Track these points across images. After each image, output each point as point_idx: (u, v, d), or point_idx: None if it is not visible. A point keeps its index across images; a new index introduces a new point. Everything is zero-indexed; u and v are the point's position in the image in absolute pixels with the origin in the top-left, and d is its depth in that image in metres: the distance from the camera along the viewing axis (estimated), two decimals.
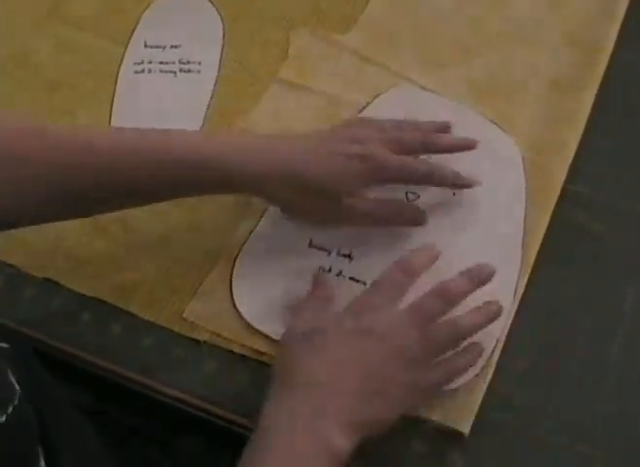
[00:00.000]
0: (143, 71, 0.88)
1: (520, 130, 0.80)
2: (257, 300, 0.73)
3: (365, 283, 0.72)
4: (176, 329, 0.73)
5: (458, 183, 0.73)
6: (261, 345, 0.72)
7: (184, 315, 0.73)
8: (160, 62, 0.88)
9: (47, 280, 0.77)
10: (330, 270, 0.73)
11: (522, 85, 0.83)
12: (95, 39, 0.90)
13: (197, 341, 0.72)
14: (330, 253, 0.74)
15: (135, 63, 0.88)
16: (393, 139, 0.71)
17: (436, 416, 0.68)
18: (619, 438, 0.67)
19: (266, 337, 0.72)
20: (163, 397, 0.71)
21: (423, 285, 0.67)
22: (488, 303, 0.67)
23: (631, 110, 0.81)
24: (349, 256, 0.73)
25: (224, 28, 0.90)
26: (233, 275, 0.74)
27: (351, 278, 0.73)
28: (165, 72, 0.88)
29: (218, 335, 0.72)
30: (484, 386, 0.68)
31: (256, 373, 0.71)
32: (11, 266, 0.78)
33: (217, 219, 0.78)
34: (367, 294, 0.66)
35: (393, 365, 0.63)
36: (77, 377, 0.74)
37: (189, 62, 0.88)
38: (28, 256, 0.78)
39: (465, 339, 0.65)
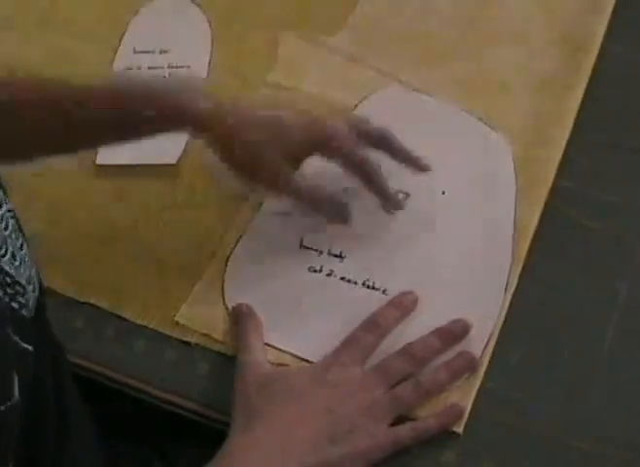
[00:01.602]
0: None
1: (510, 127, 0.80)
2: (249, 301, 0.73)
3: (356, 283, 0.72)
4: (168, 332, 0.73)
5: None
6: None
7: (176, 318, 0.73)
8: (150, 67, 0.89)
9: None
10: (321, 271, 0.73)
11: (511, 82, 0.83)
12: (85, 45, 0.90)
13: (189, 344, 0.72)
14: (321, 253, 0.74)
15: (125, 68, 0.88)
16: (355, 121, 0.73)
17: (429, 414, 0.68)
18: (612, 432, 0.67)
19: None
20: (156, 400, 0.71)
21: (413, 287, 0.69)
22: (460, 355, 0.67)
23: (620, 104, 0.81)
24: (340, 256, 0.73)
25: (212, 32, 0.90)
26: (225, 278, 0.74)
27: (342, 278, 0.73)
28: None
29: (210, 337, 0.72)
30: (477, 384, 0.68)
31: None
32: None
33: (208, 222, 0.78)
34: (336, 353, 0.67)
35: (359, 415, 0.64)
36: None
37: (178, 67, 0.88)
38: None
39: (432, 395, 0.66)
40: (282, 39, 0.88)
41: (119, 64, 0.89)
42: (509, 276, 0.71)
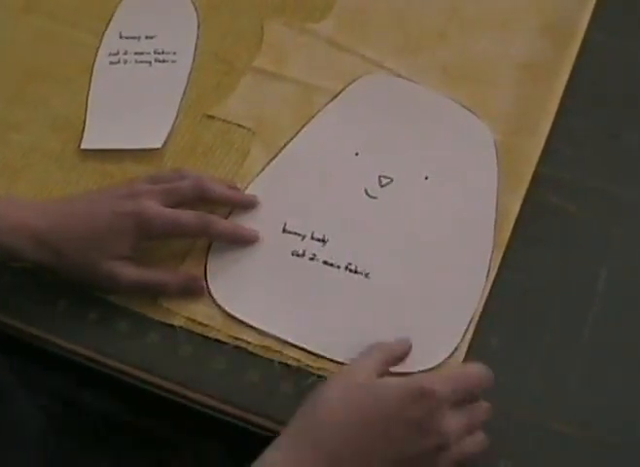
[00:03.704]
0: (119, 62, 0.88)
1: (493, 114, 0.80)
2: (232, 285, 0.73)
3: (338, 267, 0.73)
4: (151, 314, 0.73)
5: (237, 238, 0.74)
6: (237, 331, 0.72)
7: (159, 301, 0.73)
8: (136, 53, 0.88)
9: (24, 270, 0.77)
10: (303, 255, 0.73)
11: (495, 69, 0.83)
12: (71, 30, 0.90)
13: (172, 327, 0.73)
14: (304, 238, 0.74)
15: (111, 54, 0.88)
16: (165, 191, 0.72)
17: None
18: (593, 416, 0.67)
19: (242, 322, 0.72)
20: (140, 383, 0.72)
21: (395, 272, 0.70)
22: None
23: (602, 92, 0.81)
24: (323, 240, 0.74)
25: (198, 18, 0.90)
26: (208, 261, 0.74)
27: (324, 262, 0.73)
28: (141, 62, 0.88)
29: (193, 320, 0.73)
30: None
31: (232, 358, 0.71)
32: None
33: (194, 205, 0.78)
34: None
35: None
36: (52, 364, 0.74)
37: (164, 52, 0.88)
38: None
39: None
40: (268, 25, 0.88)
41: (105, 50, 0.89)
42: (490, 262, 0.72)
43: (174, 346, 0.72)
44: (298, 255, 0.73)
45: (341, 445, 0.59)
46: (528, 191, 0.76)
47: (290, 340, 0.70)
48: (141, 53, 0.88)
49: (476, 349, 0.70)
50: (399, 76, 0.83)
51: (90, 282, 0.73)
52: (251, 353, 0.71)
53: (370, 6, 0.88)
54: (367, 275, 0.72)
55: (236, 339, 0.72)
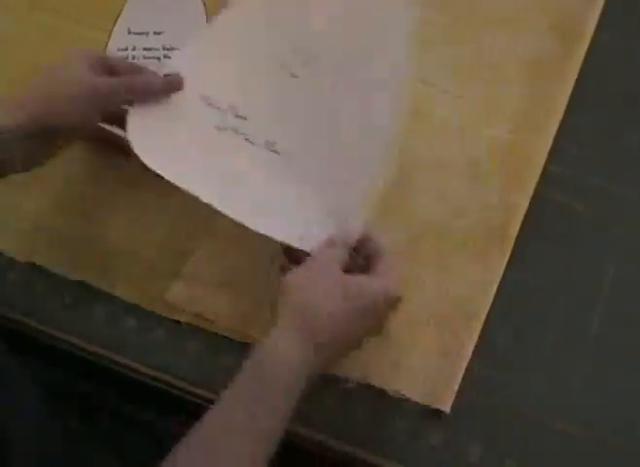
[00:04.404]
0: (127, 57, 0.88)
1: (502, 113, 0.80)
2: (156, 155, 0.71)
3: (259, 144, 0.73)
4: (158, 311, 0.74)
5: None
6: (244, 326, 0.72)
7: (166, 297, 0.74)
8: (144, 48, 0.89)
9: (30, 264, 0.77)
10: (225, 129, 0.74)
11: (505, 68, 0.83)
12: (75, 26, 0.91)
13: (179, 323, 0.73)
14: (226, 113, 0.74)
15: (119, 50, 0.88)
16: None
17: (417, 397, 0.69)
18: (597, 415, 0.67)
19: (253, 321, 0.72)
20: (146, 379, 0.72)
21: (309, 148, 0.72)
22: None
23: (609, 91, 0.81)
24: (245, 117, 0.74)
25: (207, 14, 0.90)
26: (128, 130, 0.72)
27: (246, 138, 0.74)
28: (149, 58, 0.88)
29: (200, 316, 0.73)
30: (464, 365, 0.69)
31: (240, 354, 0.71)
32: None
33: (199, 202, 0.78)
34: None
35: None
36: (58, 359, 0.75)
37: (172, 48, 0.88)
38: (12, 241, 0.78)
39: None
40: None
41: (113, 45, 0.89)
42: (390, 131, 0.72)
43: (181, 343, 0.72)
44: (220, 129, 0.74)
45: (328, 332, 0.64)
46: (536, 189, 0.76)
47: (215, 204, 0.69)
48: (150, 49, 0.88)
49: (481, 348, 0.70)
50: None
51: (76, 106, 0.72)
52: None
53: None
54: (283, 152, 0.73)
55: (243, 335, 0.72)
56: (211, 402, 0.70)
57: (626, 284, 0.72)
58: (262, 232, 0.68)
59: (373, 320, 0.67)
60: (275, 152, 0.73)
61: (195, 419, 0.71)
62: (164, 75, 0.74)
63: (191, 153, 0.72)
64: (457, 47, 0.85)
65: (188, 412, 0.72)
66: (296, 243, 0.68)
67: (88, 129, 0.74)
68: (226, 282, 0.74)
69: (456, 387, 0.68)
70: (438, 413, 0.68)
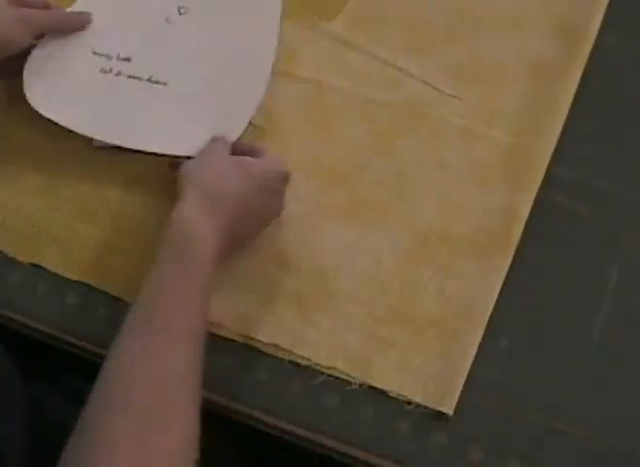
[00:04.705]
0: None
1: (505, 115, 0.80)
2: (47, 98, 0.80)
3: (141, 79, 0.81)
4: None
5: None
6: (247, 329, 0.72)
7: None
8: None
9: (33, 265, 0.77)
10: (110, 71, 0.81)
11: (507, 70, 0.83)
12: None
13: None
14: (110, 58, 0.82)
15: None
16: None
17: (419, 398, 0.69)
18: (601, 417, 0.67)
19: (254, 323, 0.72)
20: None
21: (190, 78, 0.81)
22: None
23: (613, 93, 0.81)
24: (128, 59, 0.82)
25: None
26: (24, 74, 0.81)
27: (129, 76, 0.81)
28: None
29: None
30: (466, 368, 0.69)
31: (242, 356, 0.72)
32: None
33: None
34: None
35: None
36: (62, 361, 0.74)
37: None
38: (15, 241, 0.78)
39: None
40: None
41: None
42: (272, 67, 0.81)
43: None
44: (105, 72, 0.81)
45: (230, 208, 0.69)
46: (539, 191, 0.76)
47: (100, 137, 0.79)
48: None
49: (485, 350, 0.70)
50: (410, 75, 0.83)
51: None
52: (260, 352, 0.72)
53: (381, 6, 0.88)
54: (166, 84, 0.81)
55: (246, 337, 0.72)
56: (212, 403, 0.70)
57: (630, 287, 0.72)
58: (158, 151, 0.78)
59: (271, 196, 0.73)
60: (158, 82, 0.81)
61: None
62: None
63: (80, 97, 0.81)
64: (458, 48, 0.85)
65: None
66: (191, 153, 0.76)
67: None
68: (227, 284, 0.74)
69: (459, 389, 0.68)
70: (440, 414, 0.68)
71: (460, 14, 0.86)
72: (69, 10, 0.84)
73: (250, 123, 0.79)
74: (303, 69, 0.85)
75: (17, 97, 0.79)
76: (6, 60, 0.78)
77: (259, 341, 0.72)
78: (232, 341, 0.72)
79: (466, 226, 0.75)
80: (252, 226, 0.73)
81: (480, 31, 0.85)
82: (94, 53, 0.83)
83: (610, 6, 0.85)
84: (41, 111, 0.79)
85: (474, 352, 0.70)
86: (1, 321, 0.76)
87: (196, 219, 0.66)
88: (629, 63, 0.83)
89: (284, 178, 0.74)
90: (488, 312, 0.71)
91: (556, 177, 0.77)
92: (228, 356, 0.72)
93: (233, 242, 0.69)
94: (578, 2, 0.85)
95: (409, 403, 0.69)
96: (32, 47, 0.81)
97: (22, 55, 0.80)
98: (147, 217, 0.79)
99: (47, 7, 0.83)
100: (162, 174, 0.79)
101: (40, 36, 0.82)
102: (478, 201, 0.76)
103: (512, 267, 0.73)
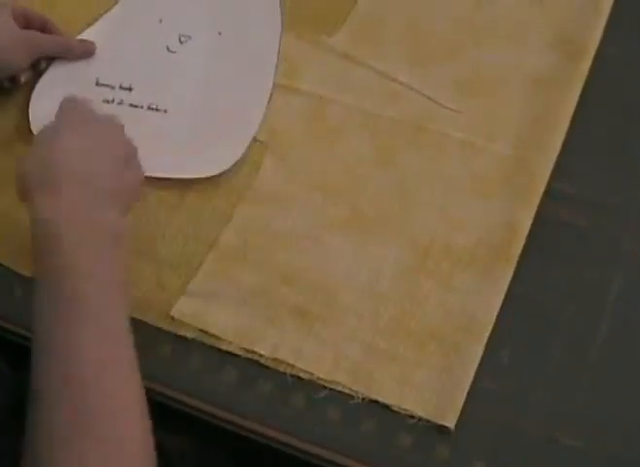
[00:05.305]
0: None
1: (505, 128, 0.81)
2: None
3: (142, 107, 0.84)
4: (164, 327, 0.74)
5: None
6: (249, 343, 0.72)
7: (171, 313, 0.74)
8: None
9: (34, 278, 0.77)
10: (113, 101, 0.85)
11: (508, 83, 0.83)
12: None
13: (185, 339, 0.73)
14: (113, 88, 0.85)
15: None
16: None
17: (421, 412, 0.69)
18: (603, 430, 0.67)
19: (258, 338, 0.73)
20: (151, 394, 0.72)
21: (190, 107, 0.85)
22: None
23: (614, 105, 0.82)
24: (129, 88, 0.85)
25: None
26: (30, 105, 0.84)
27: (130, 105, 0.84)
28: None
29: (206, 332, 0.73)
30: (468, 381, 0.69)
31: (245, 370, 0.72)
32: None
33: (204, 219, 0.79)
34: None
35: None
36: None
37: None
38: (16, 254, 0.79)
39: None
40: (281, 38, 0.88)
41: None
42: (273, 84, 0.85)
43: (186, 358, 0.72)
44: (108, 102, 0.85)
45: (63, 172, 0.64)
46: (540, 204, 0.76)
47: None
48: None
49: (486, 363, 0.70)
50: (411, 89, 0.84)
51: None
52: (263, 366, 0.72)
53: (382, 19, 0.88)
54: (165, 111, 0.84)
55: (249, 351, 0.72)
56: (215, 417, 0.70)
57: (631, 300, 0.73)
58: (162, 176, 0.80)
59: (111, 151, 0.69)
60: (159, 110, 0.84)
61: (199, 435, 0.72)
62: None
63: None
64: (459, 61, 0.85)
65: (190, 426, 0.73)
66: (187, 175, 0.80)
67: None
68: (232, 298, 0.74)
69: (461, 403, 0.68)
70: (442, 428, 0.68)
71: (461, 27, 0.87)
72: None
73: (253, 138, 0.81)
74: (305, 83, 0.85)
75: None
76: None
77: (261, 355, 0.72)
78: (235, 355, 0.72)
79: (467, 239, 0.75)
80: (101, 191, 0.66)
81: (480, 45, 0.86)
82: (98, 83, 0.86)
83: (610, 18, 0.85)
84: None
85: (475, 365, 0.70)
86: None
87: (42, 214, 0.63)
88: (631, 75, 0.84)
89: (121, 131, 0.72)
90: (490, 325, 0.71)
91: (557, 190, 0.77)
92: (230, 370, 0.72)
93: (86, 210, 0.64)
94: (578, 15, 0.86)
95: (411, 417, 0.69)
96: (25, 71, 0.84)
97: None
98: (153, 234, 0.79)
99: (53, 31, 0.85)
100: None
101: (44, 59, 0.85)
102: (478, 215, 0.77)
103: (513, 279, 0.73)
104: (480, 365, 0.70)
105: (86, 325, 0.60)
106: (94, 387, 0.58)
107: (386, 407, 0.69)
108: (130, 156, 0.71)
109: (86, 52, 0.87)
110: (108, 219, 0.65)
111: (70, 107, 0.72)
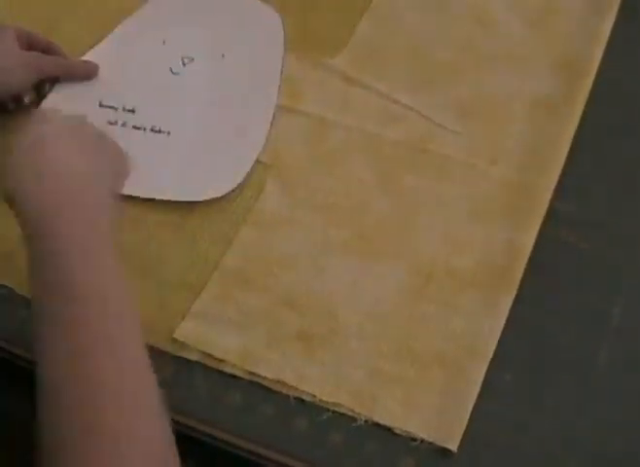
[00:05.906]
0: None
1: (507, 150, 0.81)
2: None
3: (145, 129, 0.85)
4: (167, 349, 0.74)
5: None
6: (252, 366, 0.73)
7: (174, 335, 0.74)
8: None
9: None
10: (116, 123, 0.85)
11: (508, 105, 0.84)
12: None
13: (187, 361, 0.73)
14: (116, 110, 0.86)
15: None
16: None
17: (424, 434, 0.69)
18: (603, 453, 0.67)
19: (261, 360, 0.73)
20: None
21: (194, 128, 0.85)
22: None
23: (615, 127, 0.82)
24: (132, 110, 0.86)
25: None
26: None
27: (134, 127, 0.85)
28: None
29: (209, 355, 0.73)
30: (471, 404, 0.69)
31: (247, 393, 0.72)
32: (3, 286, 0.78)
33: (206, 241, 0.79)
34: None
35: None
36: None
37: None
38: (20, 277, 0.79)
39: None
40: (283, 61, 0.89)
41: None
42: (275, 106, 0.86)
43: (189, 381, 0.73)
44: (112, 123, 0.85)
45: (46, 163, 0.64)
46: (541, 226, 0.77)
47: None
48: None
49: (489, 385, 0.70)
50: (412, 111, 0.84)
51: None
52: (266, 388, 0.72)
53: (384, 42, 0.89)
54: (169, 133, 0.84)
55: (252, 374, 0.72)
56: (217, 440, 0.70)
57: (633, 320, 0.73)
58: (165, 198, 0.80)
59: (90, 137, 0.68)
60: (161, 132, 0.84)
61: (201, 457, 0.72)
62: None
63: None
64: (461, 84, 0.86)
65: (191, 449, 0.72)
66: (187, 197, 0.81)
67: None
68: (235, 321, 0.75)
69: (464, 426, 0.68)
70: (445, 450, 0.68)
71: (462, 50, 0.88)
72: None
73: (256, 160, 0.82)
74: (307, 105, 0.86)
75: None
76: None
77: (264, 377, 0.72)
78: (238, 377, 0.72)
79: (469, 261, 0.76)
80: (91, 176, 0.65)
81: (482, 67, 0.86)
82: (101, 105, 0.86)
83: (611, 37, 0.86)
84: None
85: (478, 387, 0.70)
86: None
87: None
88: (631, 97, 0.84)
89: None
90: (492, 347, 0.71)
91: (558, 212, 0.77)
92: (233, 393, 0.72)
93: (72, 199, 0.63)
94: (579, 38, 0.87)
95: (414, 439, 0.69)
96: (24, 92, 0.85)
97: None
98: (156, 256, 0.79)
99: (56, 53, 0.86)
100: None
101: (48, 80, 0.86)
102: (480, 237, 0.77)
103: (515, 301, 0.73)
104: (484, 386, 0.70)
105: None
106: (108, 384, 0.58)
107: (389, 429, 0.69)
108: (101, 134, 0.70)
109: (89, 73, 0.88)
110: (95, 197, 0.64)
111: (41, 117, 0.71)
